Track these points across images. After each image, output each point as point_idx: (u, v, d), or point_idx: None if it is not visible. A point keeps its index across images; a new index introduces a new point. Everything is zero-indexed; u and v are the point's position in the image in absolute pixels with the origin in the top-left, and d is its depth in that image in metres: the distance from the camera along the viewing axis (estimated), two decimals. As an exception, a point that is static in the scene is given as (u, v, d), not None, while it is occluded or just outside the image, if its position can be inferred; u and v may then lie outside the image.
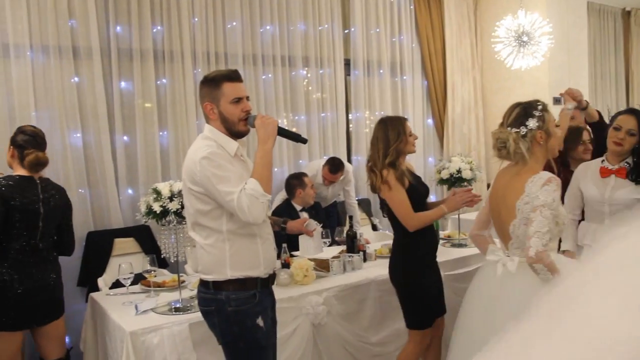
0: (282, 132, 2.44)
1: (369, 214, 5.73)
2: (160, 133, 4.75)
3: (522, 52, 5.04)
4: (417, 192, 3.15)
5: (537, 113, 2.42)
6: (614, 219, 3.00)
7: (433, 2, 6.29)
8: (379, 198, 3.26)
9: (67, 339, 3.42)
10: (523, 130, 2.41)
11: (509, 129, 2.44)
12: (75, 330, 4.21)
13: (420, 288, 3.14)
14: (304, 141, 2.56)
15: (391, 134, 3.10)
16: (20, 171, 3.08)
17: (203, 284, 2.44)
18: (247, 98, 2.45)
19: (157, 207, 2.90)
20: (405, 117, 3.34)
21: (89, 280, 4.28)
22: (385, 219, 5.88)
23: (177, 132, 4.79)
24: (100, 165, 4.47)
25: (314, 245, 3.30)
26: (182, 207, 2.85)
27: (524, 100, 2.51)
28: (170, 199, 2.89)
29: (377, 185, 3.11)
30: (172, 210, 2.88)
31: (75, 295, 4.35)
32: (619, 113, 3.16)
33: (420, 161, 6.27)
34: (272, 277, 2.55)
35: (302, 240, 3.33)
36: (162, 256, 3.18)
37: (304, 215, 4.64)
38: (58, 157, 4.28)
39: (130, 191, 4.66)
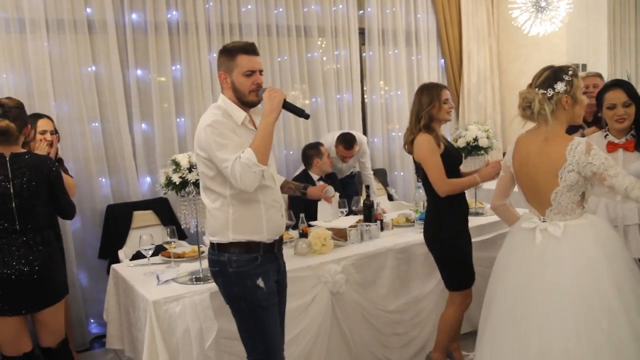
0: (287, 106, 2.49)
1: (385, 184, 5.74)
2: (176, 107, 4.75)
3: (540, 18, 4.95)
4: (452, 158, 3.24)
5: (566, 77, 2.44)
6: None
7: (448, -31, 6.17)
8: (414, 162, 3.33)
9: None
10: (550, 92, 2.43)
11: (536, 89, 2.47)
12: (98, 301, 4.32)
13: (457, 250, 3.27)
14: (307, 116, 2.59)
15: (424, 99, 3.20)
16: None
17: (211, 245, 2.57)
18: (261, 72, 2.52)
19: (176, 178, 2.93)
20: (445, 85, 3.41)
21: (109, 253, 4.36)
22: (400, 188, 5.97)
23: (192, 106, 4.80)
24: (118, 140, 4.51)
25: (331, 211, 3.48)
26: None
27: (555, 65, 2.52)
28: (189, 169, 2.91)
29: (412, 148, 3.23)
30: (191, 181, 2.90)
31: (96, 267, 4.44)
32: (604, 91, 3.12)
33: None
34: (278, 243, 2.63)
35: (321, 205, 3.49)
36: (182, 227, 3.20)
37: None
38: (76, 132, 4.34)
39: (147, 165, 4.71)
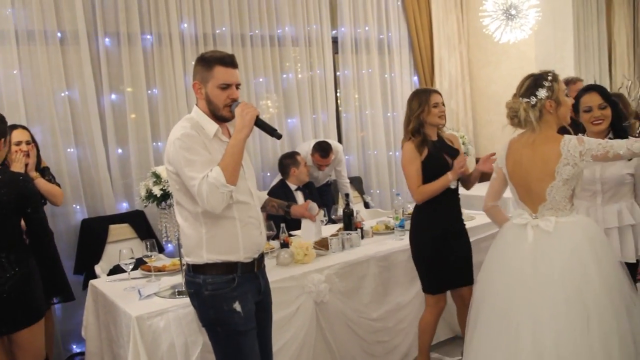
0: (259, 124, 2.38)
1: (361, 191, 5.76)
2: (149, 91, 4.69)
3: (510, 26, 5.05)
4: (435, 164, 3.25)
5: (546, 83, 2.56)
6: (606, 196, 3.11)
7: (419, -22, 6.25)
8: None
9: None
10: (533, 100, 2.56)
11: (520, 99, 2.59)
12: (76, 317, 4.22)
13: (430, 253, 3.30)
14: (279, 136, 2.45)
15: (414, 104, 3.27)
16: None
17: (187, 265, 2.46)
18: (238, 86, 2.41)
19: (157, 191, 2.89)
20: (436, 89, 3.41)
21: (85, 268, 4.27)
22: (376, 195, 6.00)
23: (165, 92, 4.73)
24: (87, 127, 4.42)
25: (315, 230, 3.32)
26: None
27: (535, 72, 2.64)
28: (170, 182, 2.87)
29: None
30: (171, 193, 2.86)
31: (71, 283, 4.33)
32: (580, 95, 3.21)
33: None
34: (258, 262, 2.50)
35: (305, 224, 3.37)
36: (162, 240, 3.15)
37: (299, 194, 4.65)
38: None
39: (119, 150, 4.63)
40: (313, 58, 5.55)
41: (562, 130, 2.66)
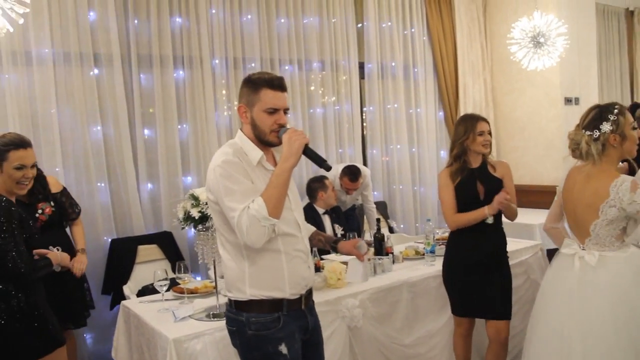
0: (308, 153, 2.21)
1: (386, 216, 5.75)
2: (179, 127, 4.76)
3: (538, 53, 5.06)
4: (464, 192, 3.24)
5: (611, 117, 2.50)
6: None
7: (444, 6, 6.32)
8: None
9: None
10: (596, 133, 2.50)
11: (583, 131, 2.54)
12: (102, 338, 4.22)
13: (456, 280, 3.35)
14: (327, 168, 2.25)
15: (460, 129, 3.27)
16: None
17: (228, 301, 2.31)
18: (286, 111, 2.26)
19: (195, 213, 2.89)
20: (483, 117, 3.34)
21: (113, 288, 4.28)
22: (401, 220, 5.99)
23: (195, 126, 4.80)
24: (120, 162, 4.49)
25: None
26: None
27: (601, 104, 2.61)
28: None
29: None
30: (210, 215, 2.87)
31: (98, 303, 4.34)
32: (635, 108, 3.16)
33: (434, 159, 6.36)
34: (305, 298, 2.31)
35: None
36: (199, 262, 3.15)
37: (326, 218, 4.65)
38: (79, 155, 4.32)
39: (150, 186, 4.68)
40: (340, 86, 5.61)
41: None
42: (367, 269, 3.09)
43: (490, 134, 3.28)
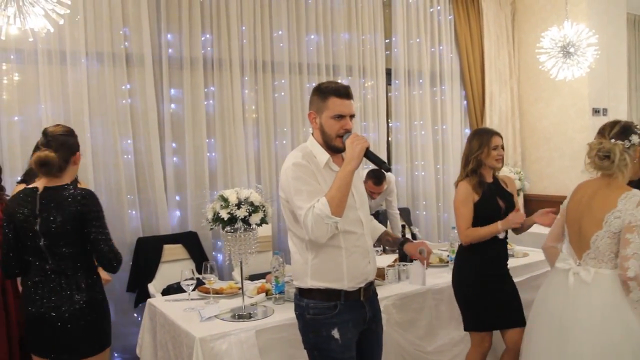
0: (369, 155, 2.39)
1: (409, 223, 5.73)
2: (208, 140, 4.81)
3: (567, 63, 5.03)
4: (487, 208, 3.21)
5: (638, 131, 2.53)
6: None
7: (472, 14, 6.31)
8: None
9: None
10: (627, 143, 2.49)
11: (612, 140, 2.50)
12: (124, 335, 4.27)
13: (469, 294, 3.26)
14: (387, 169, 2.54)
15: (475, 143, 3.25)
16: (38, 181, 2.70)
17: (296, 289, 2.51)
18: (352, 117, 2.43)
19: (224, 214, 2.92)
20: (497, 131, 3.35)
21: (137, 286, 4.33)
22: (423, 227, 5.98)
23: (224, 140, 4.85)
24: (149, 171, 4.54)
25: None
26: (250, 214, 2.90)
27: (622, 120, 2.61)
28: (238, 206, 2.91)
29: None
30: (239, 217, 2.90)
31: (122, 300, 4.40)
32: None
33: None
34: (365, 290, 2.47)
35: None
36: (226, 263, 3.18)
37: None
38: (109, 164, 4.37)
39: (177, 198, 4.72)
40: (367, 87, 5.62)
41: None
42: (424, 273, 3.11)
43: (503, 147, 3.28)
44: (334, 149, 2.43)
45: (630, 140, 2.49)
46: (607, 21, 6.14)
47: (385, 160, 2.46)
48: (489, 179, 3.29)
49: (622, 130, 2.52)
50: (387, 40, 5.87)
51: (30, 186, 2.70)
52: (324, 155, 2.42)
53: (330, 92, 2.38)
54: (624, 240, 2.40)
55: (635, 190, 2.46)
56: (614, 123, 2.57)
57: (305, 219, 2.25)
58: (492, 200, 3.24)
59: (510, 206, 3.29)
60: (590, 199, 2.56)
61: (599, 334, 2.40)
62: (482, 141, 3.23)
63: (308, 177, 2.33)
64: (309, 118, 2.47)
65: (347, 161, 2.32)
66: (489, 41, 6.36)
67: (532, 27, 6.46)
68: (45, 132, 2.70)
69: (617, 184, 2.50)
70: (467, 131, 6.49)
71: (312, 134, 2.50)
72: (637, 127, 2.54)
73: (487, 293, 3.22)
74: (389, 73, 5.84)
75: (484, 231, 3.18)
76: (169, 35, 4.61)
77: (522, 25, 6.66)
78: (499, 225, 3.17)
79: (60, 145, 2.66)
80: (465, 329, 3.34)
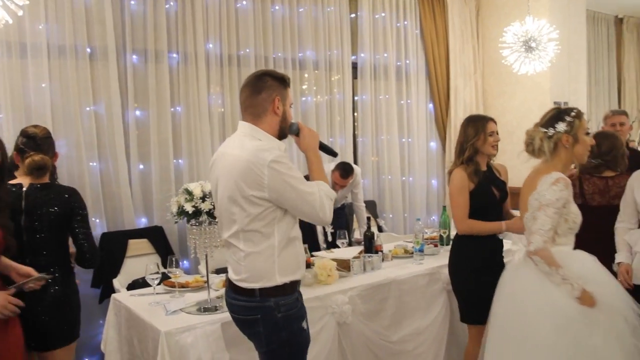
0: (320, 145, 2.53)
1: (375, 215, 5.80)
2: (172, 109, 4.79)
3: (529, 58, 5.13)
4: (483, 196, 3.16)
5: (568, 118, 2.62)
6: None
7: (437, 9, 6.38)
8: None
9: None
10: (551, 131, 2.62)
11: (539, 128, 2.66)
12: (89, 330, 4.23)
13: (468, 286, 3.22)
14: (335, 154, 2.65)
15: (470, 131, 3.18)
16: (21, 178, 2.79)
17: (245, 292, 2.33)
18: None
19: (189, 208, 2.91)
20: (491, 117, 3.30)
21: (102, 281, 4.28)
22: (390, 219, 6.04)
23: (189, 111, 4.85)
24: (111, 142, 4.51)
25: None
26: (214, 207, 2.89)
27: (562, 107, 2.72)
28: (203, 199, 2.91)
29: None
30: (204, 210, 2.90)
31: (89, 296, 4.34)
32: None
33: (424, 149, 6.45)
34: None
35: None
36: (191, 256, 3.17)
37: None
38: (74, 175, 4.34)
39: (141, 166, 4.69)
40: (333, 82, 5.65)
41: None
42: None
43: (497, 133, 3.23)
44: (284, 136, 2.45)
45: (555, 128, 2.60)
46: (567, 17, 6.28)
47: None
48: (484, 167, 3.22)
49: (552, 117, 2.65)
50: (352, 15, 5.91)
51: (13, 182, 2.75)
52: (282, 144, 2.40)
53: (287, 81, 2.41)
54: (534, 218, 2.55)
55: (553, 173, 2.55)
56: (550, 111, 2.70)
57: (322, 202, 2.27)
58: (487, 189, 3.19)
59: (504, 195, 3.27)
60: (524, 184, 2.72)
61: (522, 314, 2.51)
62: (477, 128, 3.15)
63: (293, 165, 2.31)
64: (272, 104, 2.33)
65: (312, 152, 2.44)
66: (453, 36, 6.44)
67: (496, 22, 6.57)
68: (30, 135, 2.80)
69: (545, 168, 2.64)
70: (433, 124, 6.58)
71: (260, 121, 2.34)
72: (573, 112, 2.62)
73: (484, 283, 3.09)
74: (355, 67, 5.87)
75: (487, 227, 3.15)
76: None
77: (486, 20, 6.76)
78: (503, 226, 3.15)
79: (49, 148, 2.84)
80: (462, 321, 3.34)
